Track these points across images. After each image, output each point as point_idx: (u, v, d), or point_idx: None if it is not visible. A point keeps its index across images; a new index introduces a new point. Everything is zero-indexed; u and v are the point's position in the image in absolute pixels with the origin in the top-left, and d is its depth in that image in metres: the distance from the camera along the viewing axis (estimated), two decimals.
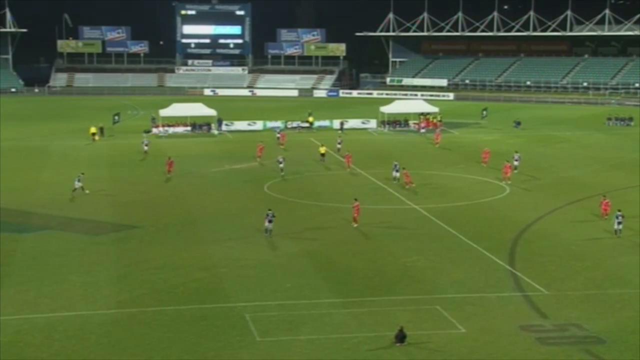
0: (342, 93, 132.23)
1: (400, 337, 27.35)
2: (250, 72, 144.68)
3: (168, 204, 49.51)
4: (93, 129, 77.41)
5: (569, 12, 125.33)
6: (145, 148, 67.40)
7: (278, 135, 75.11)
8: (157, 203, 49.65)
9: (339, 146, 68.24)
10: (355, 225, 43.08)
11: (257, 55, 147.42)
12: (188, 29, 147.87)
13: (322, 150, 64.20)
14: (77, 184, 50.78)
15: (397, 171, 55.09)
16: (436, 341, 27.84)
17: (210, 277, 34.92)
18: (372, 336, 28.17)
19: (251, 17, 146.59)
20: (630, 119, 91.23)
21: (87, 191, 50.84)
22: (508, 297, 32.61)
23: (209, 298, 32.12)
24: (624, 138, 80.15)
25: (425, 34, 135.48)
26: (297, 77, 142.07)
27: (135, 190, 53.39)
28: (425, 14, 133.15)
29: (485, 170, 60.29)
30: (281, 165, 57.63)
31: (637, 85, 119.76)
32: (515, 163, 57.91)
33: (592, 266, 36.75)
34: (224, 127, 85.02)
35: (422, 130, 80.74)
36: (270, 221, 40.64)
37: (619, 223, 40.82)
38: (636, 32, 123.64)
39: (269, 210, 41.26)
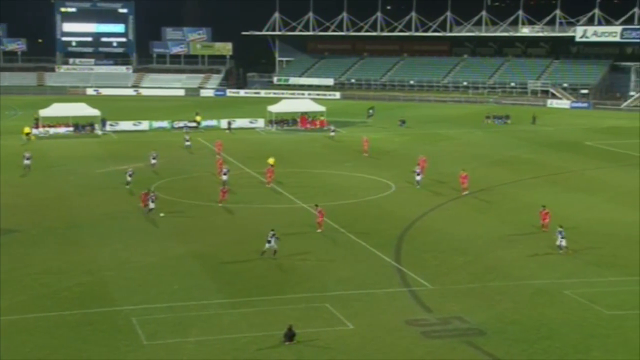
0: (230, 92, 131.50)
1: (289, 336, 27.56)
2: (135, 71, 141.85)
3: (50, 206, 47.98)
4: (27, 129, 75.02)
5: (448, 14, 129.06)
6: (27, 162, 58.63)
7: (187, 143, 70.59)
8: (39, 206, 48.07)
9: (153, 161, 59.91)
10: (320, 230, 42.13)
11: (142, 54, 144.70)
12: (69, 26, 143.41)
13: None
14: (152, 205, 45.42)
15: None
16: (325, 338, 28.20)
17: (95, 281, 34.14)
18: (261, 335, 28.26)
19: (135, 15, 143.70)
20: (507, 117, 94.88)
21: (161, 214, 45.38)
22: (394, 292, 33.36)
23: (94, 302, 31.39)
24: (502, 135, 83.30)
25: (311, 33, 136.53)
26: (183, 76, 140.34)
27: (15, 193, 51.43)
28: (311, 14, 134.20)
29: (372, 168, 61.35)
30: (129, 179, 53.06)
31: (512, 84, 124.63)
32: (418, 178, 54.90)
33: (473, 260, 38.03)
34: (108, 127, 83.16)
35: (332, 134, 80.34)
36: (269, 241, 37.24)
37: (563, 238, 38.69)
38: (511, 33, 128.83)
39: (272, 230, 37.83)
